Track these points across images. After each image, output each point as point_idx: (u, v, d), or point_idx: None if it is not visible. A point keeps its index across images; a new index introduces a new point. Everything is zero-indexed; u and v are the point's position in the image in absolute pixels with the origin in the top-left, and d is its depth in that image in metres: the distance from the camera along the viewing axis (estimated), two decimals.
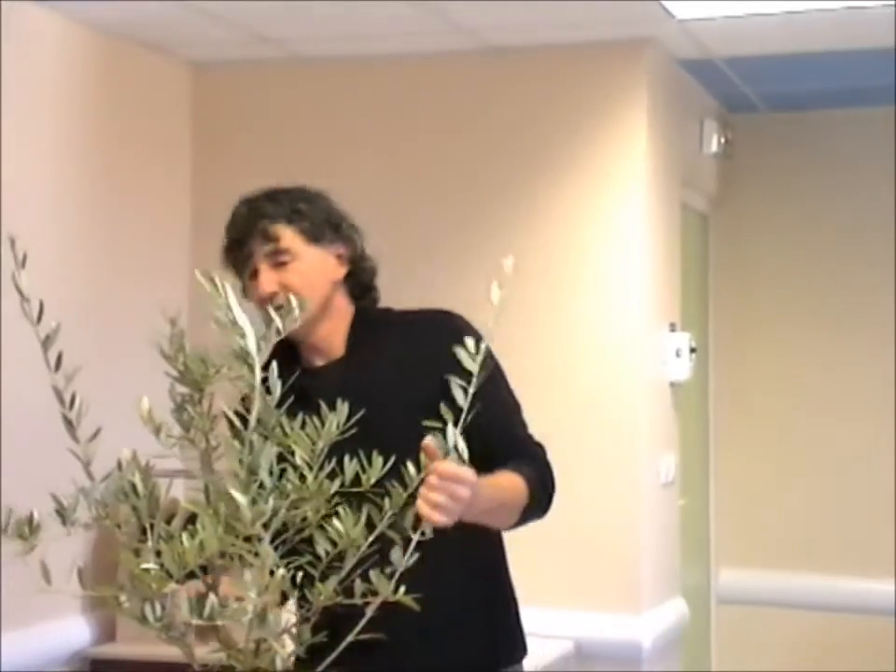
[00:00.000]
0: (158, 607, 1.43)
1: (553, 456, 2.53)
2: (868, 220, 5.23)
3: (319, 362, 2.53)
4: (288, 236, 2.52)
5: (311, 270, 2.51)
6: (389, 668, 2.39)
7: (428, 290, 4.37)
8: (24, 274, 1.44)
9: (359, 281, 2.61)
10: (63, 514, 1.46)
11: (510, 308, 1.82)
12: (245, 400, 1.51)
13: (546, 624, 4.09)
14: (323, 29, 4.27)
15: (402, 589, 1.55)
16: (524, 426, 2.53)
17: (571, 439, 4.21)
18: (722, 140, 5.09)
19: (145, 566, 1.43)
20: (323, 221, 2.59)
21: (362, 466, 1.63)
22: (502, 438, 2.42)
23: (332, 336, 2.52)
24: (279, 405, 1.54)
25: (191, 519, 1.43)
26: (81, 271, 4.15)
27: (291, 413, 1.79)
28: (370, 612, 1.58)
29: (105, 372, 3.94)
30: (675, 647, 4.63)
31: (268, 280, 2.46)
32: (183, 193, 4.67)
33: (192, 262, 4.67)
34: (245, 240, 2.51)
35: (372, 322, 2.57)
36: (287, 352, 2.42)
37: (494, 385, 2.32)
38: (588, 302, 4.33)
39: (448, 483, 1.94)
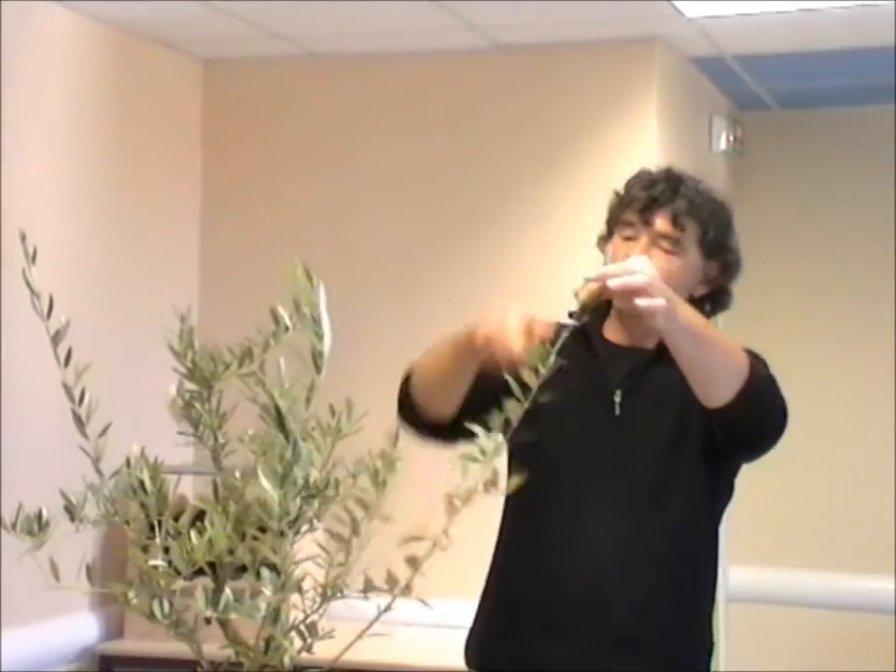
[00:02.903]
0: (166, 603, 1.43)
1: None
2: (882, 219, 5.21)
3: (620, 340, 2.54)
4: (691, 234, 2.51)
5: (682, 271, 2.50)
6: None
7: (438, 284, 4.38)
8: (34, 270, 1.44)
9: (703, 308, 2.58)
10: (71, 511, 1.46)
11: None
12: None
13: None
14: (334, 26, 4.27)
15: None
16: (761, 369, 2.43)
17: None
18: (732, 138, 5.08)
19: (153, 562, 1.42)
20: (724, 239, 2.57)
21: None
22: None
23: (648, 332, 2.46)
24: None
25: (199, 516, 1.43)
26: (91, 267, 4.16)
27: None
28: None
29: (115, 369, 3.94)
30: None
31: (643, 253, 2.45)
32: (194, 189, 4.67)
33: (202, 259, 4.68)
34: (653, 208, 2.51)
35: None
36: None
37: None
38: None
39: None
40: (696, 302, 2.56)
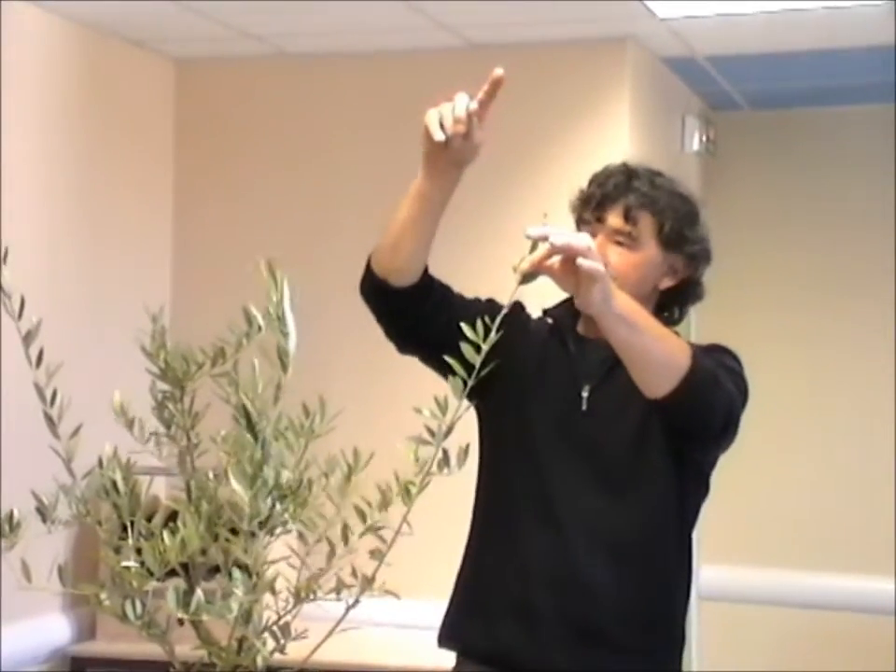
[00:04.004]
0: (139, 604, 1.42)
1: None
2: (851, 217, 5.24)
3: (591, 334, 2.50)
4: (646, 227, 2.49)
5: (640, 265, 2.49)
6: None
7: None
8: (5, 270, 1.43)
9: (675, 300, 2.58)
10: (43, 512, 1.45)
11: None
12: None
13: None
14: (306, 25, 4.26)
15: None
16: (721, 366, 2.44)
17: None
18: (704, 138, 5.10)
19: (125, 563, 1.42)
20: (683, 230, 2.53)
21: None
22: None
23: None
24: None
25: (172, 516, 1.43)
26: (63, 266, 4.14)
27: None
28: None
29: (87, 369, 3.93)
30: None
31: (599, 250, 2.37)
32: (166, 189, 4.66)
33: (175, 259, 4.66)
34: (605, 204, 2.50)
35: None
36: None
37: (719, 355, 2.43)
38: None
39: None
40: (664, 295, 2.56)
